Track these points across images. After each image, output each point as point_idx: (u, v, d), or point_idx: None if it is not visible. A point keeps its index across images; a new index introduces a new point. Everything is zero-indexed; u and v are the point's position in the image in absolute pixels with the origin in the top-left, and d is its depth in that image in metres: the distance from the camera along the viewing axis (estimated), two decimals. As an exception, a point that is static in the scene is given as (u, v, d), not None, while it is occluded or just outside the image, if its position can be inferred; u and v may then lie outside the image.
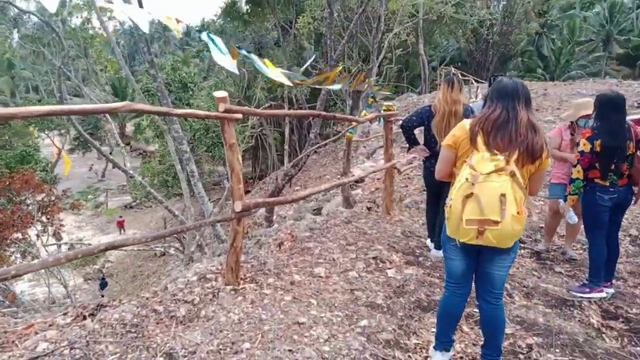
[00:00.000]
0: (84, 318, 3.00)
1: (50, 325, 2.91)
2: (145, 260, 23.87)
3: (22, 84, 55.42)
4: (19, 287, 14.97)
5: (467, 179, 2.06)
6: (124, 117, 40.89)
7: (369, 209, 9.21)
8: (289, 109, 22.68)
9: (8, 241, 10.21)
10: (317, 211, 8.62)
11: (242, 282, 3.41)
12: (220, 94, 3.17)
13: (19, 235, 10.96)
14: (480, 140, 2.14)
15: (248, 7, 13.54)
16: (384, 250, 4.25)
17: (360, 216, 5.59)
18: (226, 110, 3.14)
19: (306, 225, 4.96)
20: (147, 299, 3.17)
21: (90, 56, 11.35)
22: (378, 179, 11.00)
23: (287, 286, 3.40)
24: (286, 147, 18.21)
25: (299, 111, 4.55)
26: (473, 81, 17.84)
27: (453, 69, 22.31)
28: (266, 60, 3.40)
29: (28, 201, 11.15)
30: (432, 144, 4.09)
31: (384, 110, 5.88)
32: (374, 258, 4.03)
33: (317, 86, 3.69)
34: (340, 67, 3.90)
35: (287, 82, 3.31)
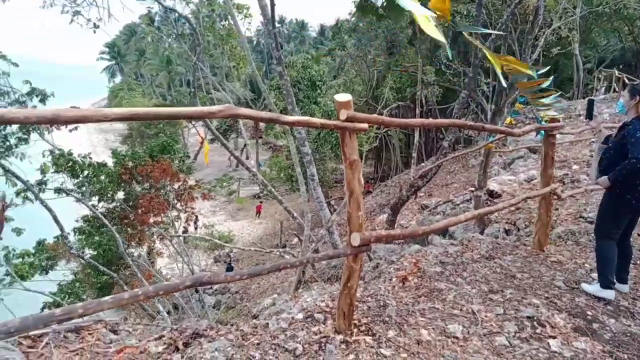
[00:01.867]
0: (177, 349, 2.64)
1: (141, 352, 2.60)
2: (270, 248, 24.91)
3: (177, 79, 62.31)
4: (160, 262, 16.56)
5: None
6: (258, 110, 43.39)
7: (507, 231, 7.97)
8: (420, 111, 21.50)
9: (147, 225, 11.13)
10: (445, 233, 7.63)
11: (355, 330, 2.76)
12: (342, 97, 2.54)
13: (158, 219, 11.90)
14: None
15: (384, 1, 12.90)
16: (542, 307, 3.23)
17: (504, 249, 4.55)
18: (348, 119, 2.50)
19: (436, 257, 4.12)
20: (244, 336, 2.70)
21: (225, 53, 11.90)
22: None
23: (411, 346, 2.65)
24: (414, 154, 17.18)
25: (439, 121, 3.75)
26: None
27: (616, 72, 18.93)
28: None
29: (167, 188, 12.03)
30: None
31: (545, 120, 4.72)
32: (528, 318, 3.06)
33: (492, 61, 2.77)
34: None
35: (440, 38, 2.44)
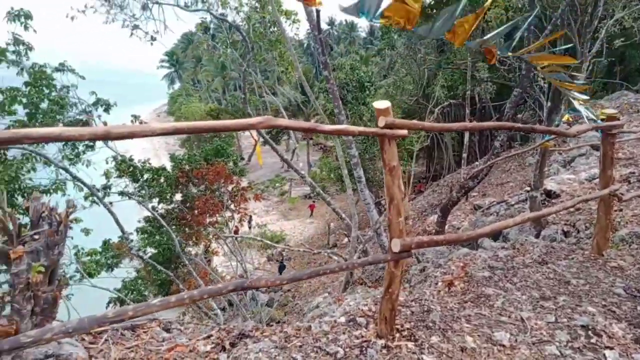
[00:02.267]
0: (223, 349, 2.76)
1: (190, 351, 2.75)
2: (320, 249, 25.20)
3: (232, 83, 64.33)
4: (216, 260, 17.20)
5: None
6: (308, 113, 43.91)
7: (565, 233, 7.57)
8: (473, 109, 20.81)
9: (203, 225, 11.63)
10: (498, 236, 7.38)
11: (397, 335, 2.76)
12: (381, 104, 2.57)
13: (213, 219, 12.39)
14: None
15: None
16: (599, 315, 3.07)
17: (559, 253, 4.35)
18: (387, 126, 2.52)
19: (484, 261, 4.02)
20: (287, 338, 2.78)
21: (275, 58, 12.22)
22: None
23: (455, 353, 2.62)
24: (464, 155, 16.68)
25: (484, 124, 3.61)
26: None
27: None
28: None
29: (221, 190, 12.49)
30: None
31: (602, 119, 4.44)
32: (583, 327, 2.92)
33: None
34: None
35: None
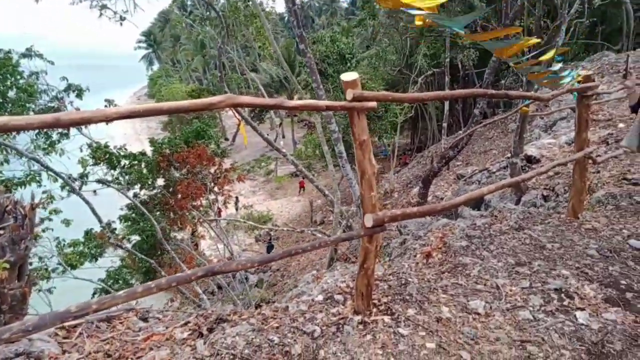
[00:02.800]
0: (201, 335, 2.75)
1: (167, 339, 2.73)
2: (307, 227, 25.31)
3: (212, 62, 63.00)
4: (203, 243, 17.19)
5: None
6: (291, 89, 43.39)
7: (545, 197, 7.67)
8: (457, 76, 20.67)
9: (186, 209, 11.54)
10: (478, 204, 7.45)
11: (374, 310, 2.77)
12: (349, 76, 2.49)
13: (197, 203, 12.30)
14: None
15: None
16: (572, 278, 3.12)
17: (535, 219, 4.39)
18: (355, 99, 2.45)
19: (462, 230, 4.04)
20: (265, 320, 2.78)
21: (250, 33, 11.89)
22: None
23: (431, 324, 2.64)
24: (444, 124, 16.67)
25: (456, 92, 3.55)
26: None
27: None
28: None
29: (203, 173, 12.37)
30: None
31: (578, 80, 4.43)
32: (556, 290, 2.96)
33: (485, 45, 2.70)
34: (518, 29, 2.79)
35: (443, 23, 2.42)
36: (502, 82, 23.38)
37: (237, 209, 26.51)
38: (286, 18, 72.53)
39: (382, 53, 25.34)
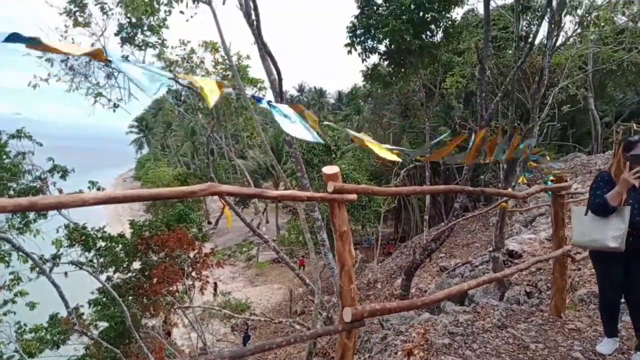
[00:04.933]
0: None
1: None
2: (286, 316, 24.23)
3: (201, 148, 64.58)
4: (176, 331, 16.21)
5: None
6: (277, 176, 44.17)
7: (528, 294, 7.59)
8: (434, 170, 21.37)
9: (160, 295, 11.06)
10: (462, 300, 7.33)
11: (351, 414, 2.57)
12: (330, 169, 2.58)
13: (172, 288, 11.83)
14: None
15: (390, 69, 13.48)
16: (558, 383, 2.99)
17: (518, 316, 4.30)
18: (336, 191, 2.51)
19: (445, 326, 3.92)
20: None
21: (240, 123, 12.48)
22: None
23: None
24: (426, 217, 16.97)
25: (434, 187, 3.66)
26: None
27: (634, 125, 18.80)
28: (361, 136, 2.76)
29: (182, 257, 12.06)
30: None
31: (551, 180, 4.62)
32: (542, 397, 2.82)
33: (447, 158, 2.85)
34: (483, 132, 2.97)
35: (388, 156, 2.60)
36: (482, 177, 24.31)
37: (215, 296, 25.53)
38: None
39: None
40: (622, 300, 3.27)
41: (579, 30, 11.93)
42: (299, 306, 24.52)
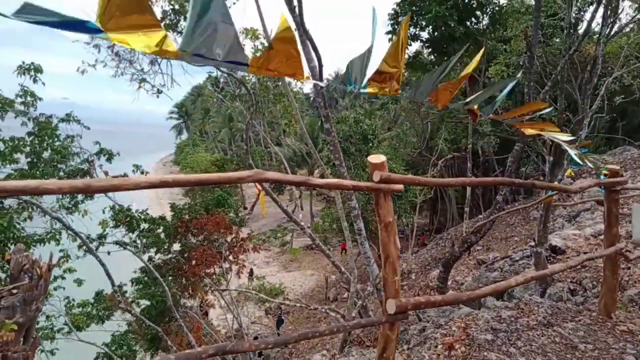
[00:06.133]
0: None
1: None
2: (320, 303, 24.45)
3: (238, 134, 65.53)
4: (212, 312, 16.68)
5: None
6: (312, 163, 44.32)
7: (572, 291, 7.30)
8: (477, 162, 20.82)
9: (199, 277, 11.38)
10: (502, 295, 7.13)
11: (392, 406, 2.55)
12: (376, 158, 2.52)
13: (210, 270, 12.13)
14: None
15: (432, 57, 13.07)
16: (609, 386, 2.86)
17: (565, 315, 4.14)
18: (382, 180, 2.45)
19: (487, 322, 3.82)
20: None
21: (278, 110, 12.53)
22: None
23: None
24: (466, 209, 16.54)
25: (482, 179, 3.55)
26: None
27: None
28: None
29: (220, 241, 12.33)
30: None
31: (604, 174, 4.38)
32: (592, 400, 2.70)
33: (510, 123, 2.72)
34: (542, 105, 2.83)
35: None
36: (523, 169, 23.47)
37: (250, 280, 26.08)
38: (312, 98, 76.05)
39: (403, 135, 26.03)
40: None
41: (638, 17, 11.18)
42: (332, 293, 24.67)
